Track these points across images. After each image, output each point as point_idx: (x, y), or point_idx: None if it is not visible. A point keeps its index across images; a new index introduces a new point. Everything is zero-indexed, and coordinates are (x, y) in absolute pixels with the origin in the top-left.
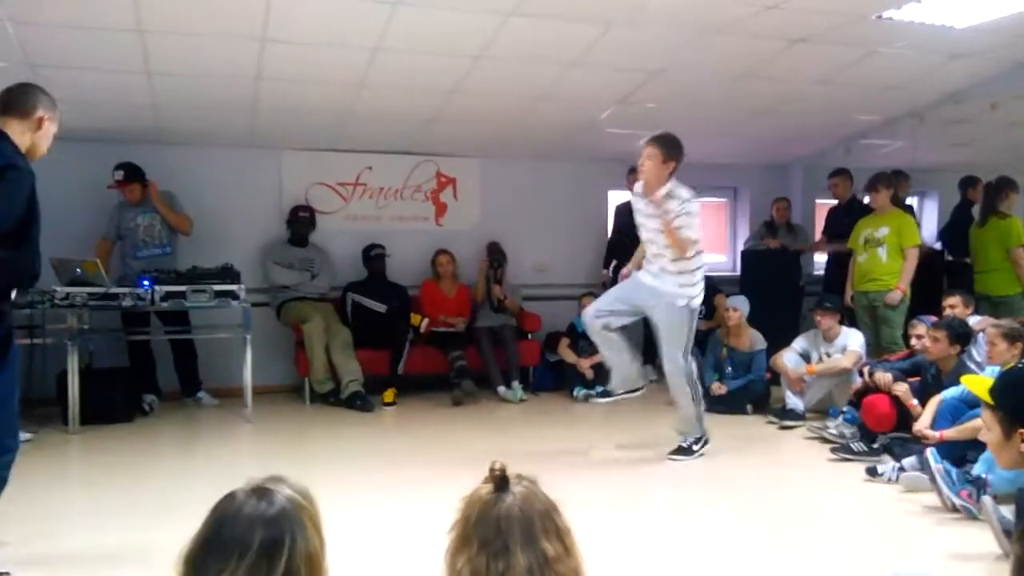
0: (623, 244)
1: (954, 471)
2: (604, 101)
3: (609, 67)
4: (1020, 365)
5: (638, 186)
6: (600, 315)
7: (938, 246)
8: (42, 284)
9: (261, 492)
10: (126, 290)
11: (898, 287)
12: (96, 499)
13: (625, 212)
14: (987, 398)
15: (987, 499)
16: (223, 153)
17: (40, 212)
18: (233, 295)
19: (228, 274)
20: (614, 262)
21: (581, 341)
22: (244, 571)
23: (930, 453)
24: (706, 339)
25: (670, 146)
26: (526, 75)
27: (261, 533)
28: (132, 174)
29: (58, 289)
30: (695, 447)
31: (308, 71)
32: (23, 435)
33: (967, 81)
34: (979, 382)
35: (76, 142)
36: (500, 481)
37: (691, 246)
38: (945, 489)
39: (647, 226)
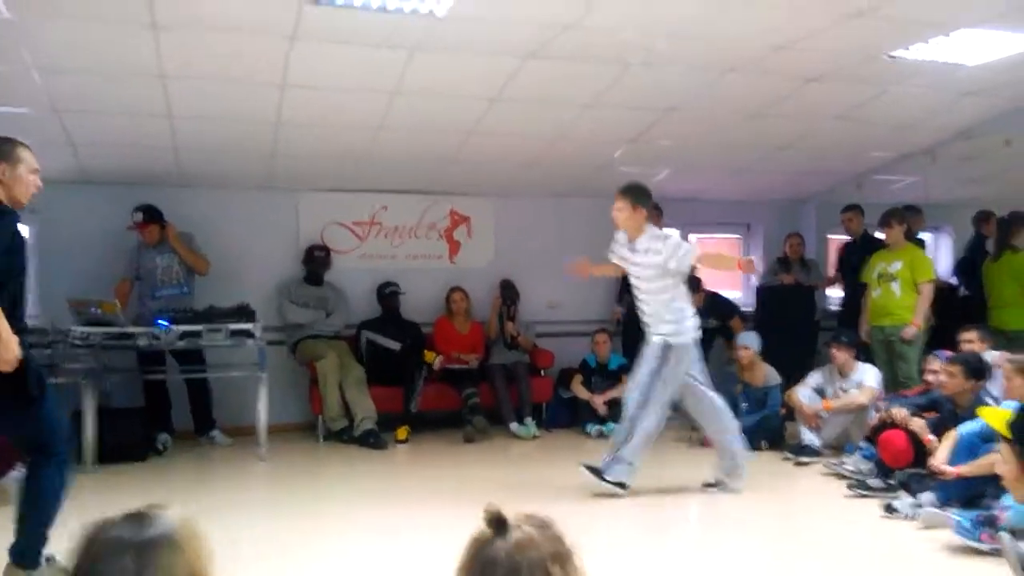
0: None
1: (968, 519)
2: (618, 140)
3: (623, 107)
4: None
5: (622, 236)
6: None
7: (953, 281)
8: (59, 324)
9: (135, 517)
10: (142, 330)
11: (913, 322)
12: None
13: None
14: (1005, 431)
15: (1005, 535)
16: (241, 195)
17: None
18: (248, 334)
19: (244, 313)
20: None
21: (594, 377)
22: None
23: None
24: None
25: (636, 193)
26: (542, 116)
27: (131, 555)
28: (151, 216)
29: (74, 329)
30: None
31: (326, 115)
32: None
33: (979, 118)
34: (997, 415)
35: (97, 185)
36: (494, 524)
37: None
38: (967, 541)
39: (640, 276)
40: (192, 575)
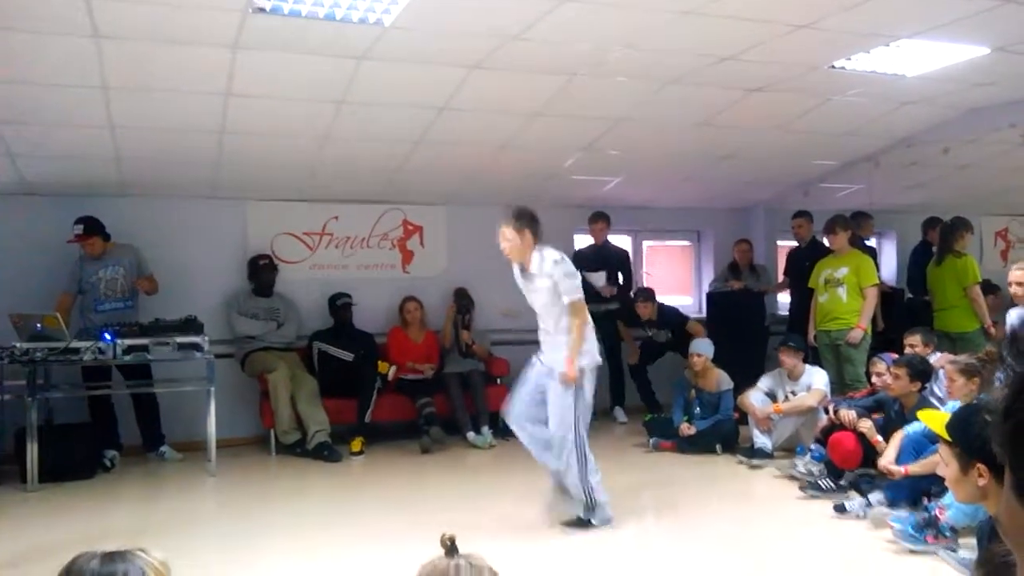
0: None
1: (910, 523)
2: (568, 149)
3: (572, 116)
4: (977, 400)
5: (516, 267)
6: (521, 421)
7: (897, 285)
8: (1, 340)
9: (109, 555)
10: (87, 344)
11: (859, 325)
12: (51, 559)
13: (584, 258)
14: (944, 434)
15: (943, 552)
16: (186, 205)
17: None
18: (197, 347)
19: (191, 326)
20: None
21: None
22: None
23: (894, 522)
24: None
25: (519, 218)
26: (490, 125)
27: None
28: (92, 228)
29: (17, 345)
30: (594, 520)
31: (273, 124)
32: None
33: (920, 126)
34: (935, 418)
35: (37, 196)
36: (449, 549)
37: (581, 308)
38: (913, 546)
39: (536, 301)
40: None
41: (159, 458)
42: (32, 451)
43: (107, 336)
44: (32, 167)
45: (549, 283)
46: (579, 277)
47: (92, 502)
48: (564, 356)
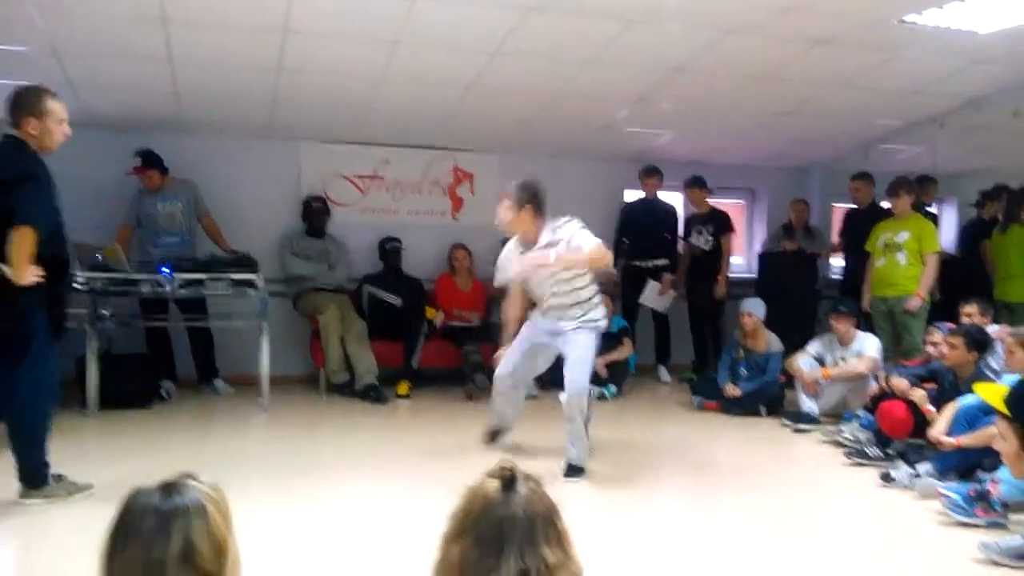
0: (621, 246)
1: (961, 494)
2: (622, 100)
3: (627, 65)
4: None
5: (512, 241)
6: (511, 378)
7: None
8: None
9: (164, 487)
10: (145, 276)
11: (918, 294)
12: (109, 478)
13: (632, 212)
14: (1002, 408)
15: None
16: (242, 143)
17: (60, 205)
18: (251, 284)
19: (246, 263)
20: (620, 261)
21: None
22: (142, 550)
23: (944, 491)
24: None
25: (519, 195)
26: (544, 71)
27: (159, 522)
28: (150, 160)
29: (78, 274)
30: (583, 469)
31: (328, 63)
32: None
33: (989, 87)
34: (993, 391)
35: (97, 128)
36: (508, 481)
37: (601, 249)
38: (965, 519)
39: (539, 274)
40: (215, 543)
41: (212, 391)
42: (92, 378)
43: (165, 270)
44: (93, 99)
45: (563, 247)
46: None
47: (148, 429)
48: (578, 321)
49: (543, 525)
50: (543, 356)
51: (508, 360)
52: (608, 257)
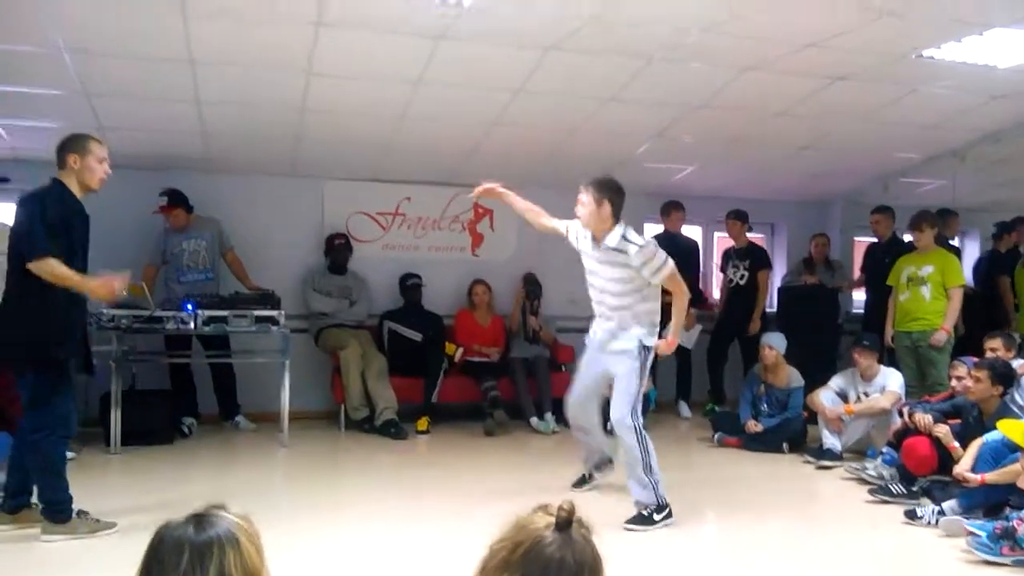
0: None
1: (987, 532)
2: (641, 135)
3: (647, 102)
4: None
5: (580, 229)
6: (580, 408)
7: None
8: (89, 306)
9: (195, 519)
10: (170, 314)
11: (943, 328)
12: (128, 517)
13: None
14: None
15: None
16: (267, 181)
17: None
18: (273, 321)
19: (269, 300)
20: None
21: None
22: None
23: (970, 528)
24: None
25: (601, 187)
26: (564, 108)
27: (191, 554)
28: (176, 199)
29: (104, 311)
30: (656, 516)
31: (351, 103)
32: (68, 454)
33: (1009, 121)
34: (1017, 428)
35: (125, 169)
36: (563, 523)
37: (678, 282)
38: (991, 557)
39: (600, 274)
40: (249, 574)
41: (234, 427)
42: (116, 415)
43: (189, 307)
44: (120, 140)
45: (623, 270)
46: (666, 257)
47: (170, 466)
48: (629, 340)
49: (591, 570)
50: (603, 375)
51: (574, 392)
52: (681, 287)
